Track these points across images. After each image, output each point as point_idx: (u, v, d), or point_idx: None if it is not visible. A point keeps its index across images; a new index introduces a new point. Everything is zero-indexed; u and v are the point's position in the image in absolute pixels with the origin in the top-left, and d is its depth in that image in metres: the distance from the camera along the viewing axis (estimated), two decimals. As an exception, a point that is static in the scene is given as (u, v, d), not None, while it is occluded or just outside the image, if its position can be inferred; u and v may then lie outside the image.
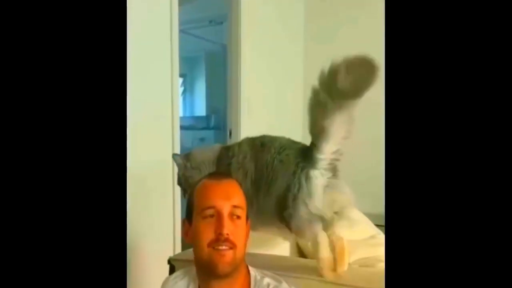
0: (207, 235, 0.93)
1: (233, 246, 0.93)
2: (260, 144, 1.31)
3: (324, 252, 1.19)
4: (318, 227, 1.20)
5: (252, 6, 2.87)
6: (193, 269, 1.03)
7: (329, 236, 1.21)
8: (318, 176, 1.19)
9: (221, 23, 3.91)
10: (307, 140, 1.25)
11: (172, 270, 1.35)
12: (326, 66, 1.11)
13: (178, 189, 2.07)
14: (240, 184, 1.03)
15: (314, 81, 1.14)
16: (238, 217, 0.96)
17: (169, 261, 1.41)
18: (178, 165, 1.44)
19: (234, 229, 0.94)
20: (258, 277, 1.00)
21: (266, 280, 1.00)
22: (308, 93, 1.17)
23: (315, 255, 1.22)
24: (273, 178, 1.24)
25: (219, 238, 0.92)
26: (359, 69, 1.09)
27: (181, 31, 2.38)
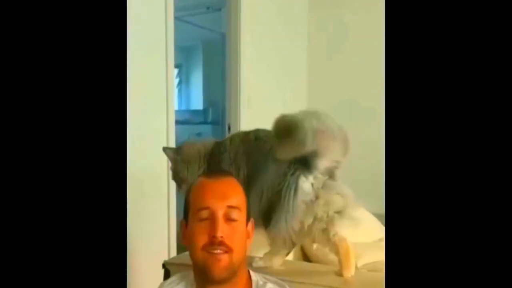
0: (201, 237, 0.91)
1: (228, 250, 0.90)
2: (254, 138, 1.27)
3: None
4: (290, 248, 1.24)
5: (252, -9, 2.86)
6: (191, 274, 1.00)
7: (331, 238, 1.19)
8: (308, 185, 1.16)
9: (219, 9, 3.88)
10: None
11: (167, 275, 1.33)
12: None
13: (173, 190, 2.22)
14: None
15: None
16: (235, 219, 0.93)
17: (163, 265, 1.39)
18: (169, 158, 1.42)
19: (229, 231, 0.91)
20: (260, 282, 0.98)
21: (269, 285, 0.98)
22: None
23: None
24: (265, 177, 1.20)
25: (213, 241, 0.90)
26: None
27: (176, 18, 2.36)
